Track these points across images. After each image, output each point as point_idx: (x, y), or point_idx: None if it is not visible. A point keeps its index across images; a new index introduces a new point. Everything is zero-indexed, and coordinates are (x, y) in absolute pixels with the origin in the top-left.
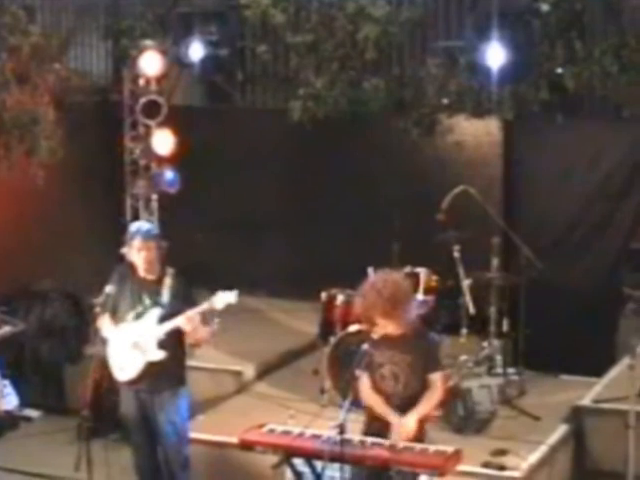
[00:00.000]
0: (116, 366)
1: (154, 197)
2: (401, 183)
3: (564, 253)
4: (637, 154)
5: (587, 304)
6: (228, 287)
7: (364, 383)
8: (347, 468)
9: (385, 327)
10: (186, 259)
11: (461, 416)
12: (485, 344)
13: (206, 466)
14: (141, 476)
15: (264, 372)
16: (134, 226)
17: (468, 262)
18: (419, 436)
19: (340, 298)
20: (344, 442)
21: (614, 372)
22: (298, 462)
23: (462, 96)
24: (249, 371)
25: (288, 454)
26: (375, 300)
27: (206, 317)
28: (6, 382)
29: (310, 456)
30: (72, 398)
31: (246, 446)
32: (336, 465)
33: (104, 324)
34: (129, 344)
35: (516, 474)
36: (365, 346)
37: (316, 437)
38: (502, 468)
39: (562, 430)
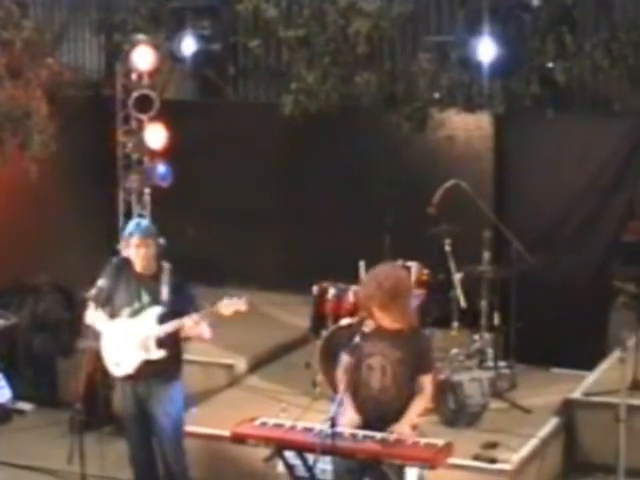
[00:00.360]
0: (111, 361)
1: (147, 191)
2: (392, 177)
3: (555, 247)
4: (628, 148)
5: (578, 297)
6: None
7: (343, 363)
8: (336, 460)
9: (381, 319)
10: (178, 253)
11: (452, 409)
12: (476, 337)
13: (198, 459)
14: (137, 469)
15: (256, 365)
16: (132, 223)
17: (459, 256)
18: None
19: (332, 292)
20: (335, 435)
21: (605, 365)
22: (290, 455)
23: (453, 91)
24: (241, 364)
25: (280, 447)
26: (375, 291)
27: (209, 319)
28: None
29: (302, 449)
30: (65, 391)
31: (238, 439)
32: (328, 458)
33: (97, 317)
34: (127, 341)
35: (507, 467)
36: (357, 339)
37: (308, 430)
38: (493, 461)
39: (553, 423)
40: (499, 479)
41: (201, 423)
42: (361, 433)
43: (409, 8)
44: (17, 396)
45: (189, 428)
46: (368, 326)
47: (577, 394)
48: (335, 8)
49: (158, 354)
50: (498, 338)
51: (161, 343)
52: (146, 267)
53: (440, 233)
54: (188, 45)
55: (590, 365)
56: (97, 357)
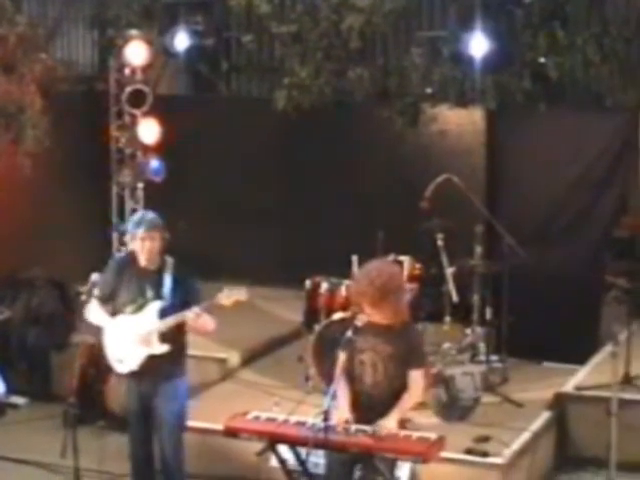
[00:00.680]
0: (114, 358)
1: (140, 186)
2: (385, 172)
3: (547, 241)
4: (619, 143)
5: (570, 292)
6: (212, 275)
7: (340, 362)
8: (328, 454)
9: (372, 316)
10: (171, 247)
11: (444, 403)
12: (468, 332)
13: (191, 453)
14: (136, 465)
15: (249, 359)
16: (137, 215)
17: (451, 250)
18: (401, 424)
19: (324, 286)
20: (328, 429)
21: (597, 359)
22: (283, 449)
23: (446, 86)
24: (234, 358)
25: (272, 441)
26: (366, 288)
27: (211, 310)
28: None
29: (294, 443)
30: (58, 385)
31: (231, 433)
32: (320, 452)
33: (99, 314)
34: (129, 337)
35: (499, 460)
36: (349, 333)
37: (300, 424)
38: (485, 454)
39: (545, 417)
40: (491, 473)
41: (194, 417)
42: (353, 427)
43: (401, 3)
44: (11, 390)
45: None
46: (361, 320)
47: (569, 388)
48: (328, 4)
49: (161, 349)
50: (490, 332)
51: (164, 338)
52: (150, 261)
53: (432, 227)
54: (181, 40)
55: (582, 359)
56: (91, 351)
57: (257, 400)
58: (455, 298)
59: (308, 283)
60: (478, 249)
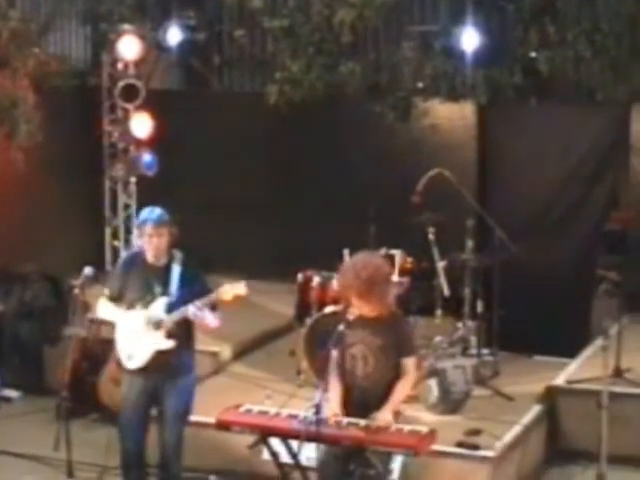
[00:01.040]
0: (124, 355)
1: (132, 180)
2: (377, 166)
3: (538, 235)
4: (610, 137)
5: (561, 286)
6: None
7: (333, 359)
8: (321, 447)
9: (360, 308)
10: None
11: (436, 396)
12: (459, 325)
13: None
14: (127, 458)
15: (241, 353)
16: (145, 211)
17: (443, 244)
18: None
19: (316, 280)
20: (320, 422)
21: (587, 353)
22: (274, 442)
23: (437, 80)
24: (226, 352)
25: (264, 434)
26: (352, 280)
27: (215, 305)
28: None
29: (286, 436)
30: (51, 379)
31: (223, 426)
32: (312, 445)
33: (108, 309)
34: (138, 333)
35: (490, 454)
36: (340, 327)
37: (292, 417)
38: (476, 448)
39: (536, 410)
40: (482, 466)
41: None
42: (345, 420)
43: None
44: (4, 383)
45: None
46: (352, 314)
47: (560, 381)
48: None
49: (167, 344)
50: (481, 326)
51: (170, 333)
52: (158, 257)
53: (424, 221)
54: (173, 35)
55: (573, 353)
56: (83, 345)
57: (249, 393)
58: (446, 292)
59: (300, 277)
60: (469, 243)
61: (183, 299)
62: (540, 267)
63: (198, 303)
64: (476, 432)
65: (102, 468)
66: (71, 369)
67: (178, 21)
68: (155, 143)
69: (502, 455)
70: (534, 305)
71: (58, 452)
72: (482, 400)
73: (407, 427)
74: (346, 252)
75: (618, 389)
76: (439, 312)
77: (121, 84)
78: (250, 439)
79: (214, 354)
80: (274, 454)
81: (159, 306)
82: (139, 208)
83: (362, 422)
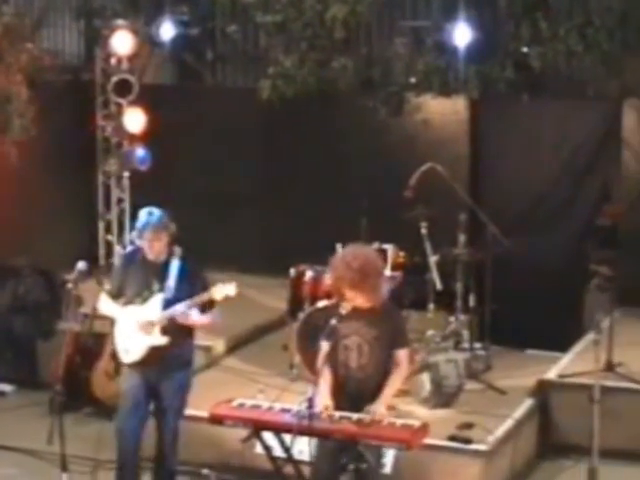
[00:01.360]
0: (121, 349)
1: (126, 174)
2: (369, 161)
3: (530, 229)
4: (602, 132)
5: (553, 280)
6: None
7: (323, 351)
8: (314, 441)
9: (353, 299)
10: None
11: (428, 390)
12: (452, 319)
13: None
14: (123, 454)
15: (234, 347)
16: (144, 215)
17: (435, 238)
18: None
19: (309, 274)
20: (312, 416)
21: (579, 347)
22: (267, 436)
23: (429, 75)
24: (219, 346)
25: (257, 428)
26: (344, 272)
27: (209, 304)
28: None
29: (279, 430)
30: (45, 373)
31: (216, 420)
32: (305, 438)
33: (108, 305)
34: (132, 328)
35: (482, 447)
36: (333, 321)
37: (285, 411)
38: (468, 441)
39: (528, 404)
40: (474, 459)
41: None
42: (338, 414)
43: None
44: None
45: None
46: (345, 308)
47: (552, 375)
48: None
49: (161, 340)
50: (474, 320)
51: (165, 330)
52: (158, 256)
53: (416, 216)
54: (167, 30)
55: (565, 347)
56: (77, 339)
57: (242, 387)
58: (439, 286)
59: (292, 271)
60: (462, 237)
61: (181, 295)
62: (532, 261)
63: (187, 303)
64: (468, 426)
65: (96, 462)
66: (64, 363)
67: (171, 16)
68: (148, 138)
69: (494, 449)
70: (526, 299)
71: (51, 446)
72: (474, 394)
73: (399, 421)
74: (339, 247)
75: (610, 383)
76: (431, 306)
77: (114, 79)
78: (243, 433)
79: (207, 348)
80: (267, 448)
81: (156, 302)
82: (132, 203)
83: (354, 416)
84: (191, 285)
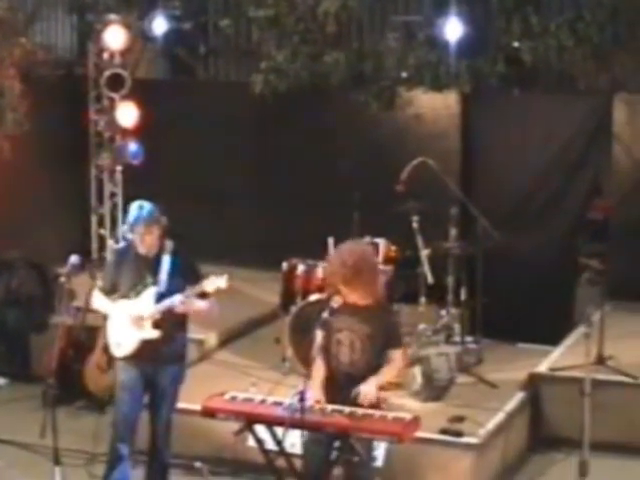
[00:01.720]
0: (113, 342)
1: (118, 169)
2: (361, 155)
3: (521, 223)
4: (592, 126)
5: (544, 273)
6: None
7: (317, 339)
8: (306, 434)
9: (347, 296)
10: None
11: (419, 383)
12: (443, 313)
13: None
14: (117, 446)
15: (226, 341)
16: (135, 209)
17: (427, 232)
18: (377, 404)
19: (301, 268)
20: (305, 409)
21: (570, 340)
22: (260, 429)
23: (421, 70)
24: (211, 339)
25: (250, 421)
26: (338, 267)
27: (202, 296)
28: None
29: (271, 423)
30: (38, 366)
31: (208, 413)
32: (297, 432)
33: (100, 300)
34: (126, 321)
35: (474, 440)
36: (325, 314)
37: (277, 404)
38: (460, 434)
39: (519, 397)
40: (466, 452)
41: None
42: (330, 407)
43: None
44: None
45: None
46: (336, 302)
47: (543, 369)
48: None
49: (152, 334)
50: (465, 313)
51: (156, 323)
52: (149, 250)
53: (408, 210)
54: (159, 24)
55: (556, 340)
56: (70, 332)
57: (234, 381)
58: (430, 280)
59: (285, 265)
60: (453, 231)
61: (174, 288)
62: (523, 255)
63: (184, 294)
64: (460, 419)
65: (90, 455)
66: (57, 357)
67: (164, 11)
68: (141, 132)
69: (486, 442)
70: (517, 293)
71: (44, 439)
72: (466, 387)
73: (391, 414)
74: (331, 240)
75: (600, 376)
76: (423, 300)
77: (107, 74)
78: (235, 426)
79: (200, 342)
80: (259, 441)
81: (149, 296)
82: (125, 197)
83: (346, 409)
84: (183, 278)
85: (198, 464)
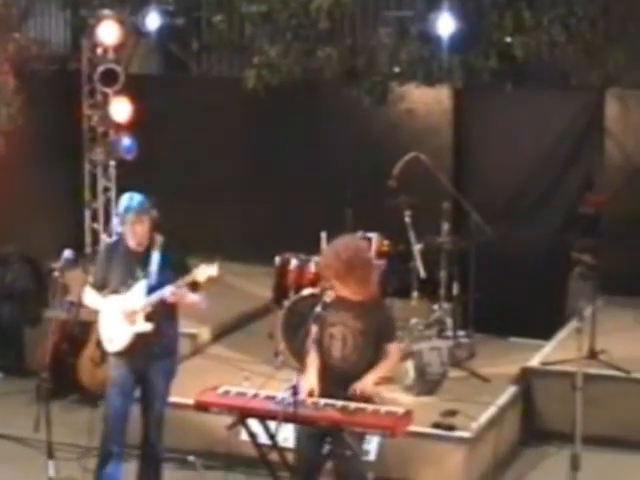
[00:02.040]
0: (105, 338)
1: (112, 163)
2: (354, 150)
3: (513, 218)
4: (584, 121)
5: (536, 268)
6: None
7: (312, 333)
8: (298, 428)
9: (340, 290)
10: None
11: (412, 378)
12: (435, 307)
13: None
14: (108, 441)
15: (219, 335)
16: (125, 199)
17: (419, 227)
18: (370, 398)
19: (294, 262)
20: (297, 403)
21: (562, 335)
22: (253, 423)
23: (413, 65)
24: (204, 334)
25: (243, 415)
26: (332, 261)
27: (193, 287)
28: None
29: (264, 417)
30: (31, 360)
31: (201, 407)
32: (290, 426)
33: (91, 296)
34: (118, 316)
35: (466, 434)
36: (318, 308)
37: (270, 398)
38: (452, 428)
39: (511, 391)
40: (458, 446)
41: None
42: (322, 401)
43: None
44: None
45: None
46: (329, 296)
47: (535, 363)
48: None
49: (145, 327)
50: (457, 308)
51: (148, 316)
52: (140, 243)
53: (400, 205)
54: (152, 20)
55: (548, 335)
56: (63, 326)
57: (227, 375)
58: (422, 274)
59: (277, 259)
60: (445, 226)
61: (164, 281)
62: (515, 250)
63: (175, 284)
64: (452, 413)
65: (84, 449)
66: (51, 351)
67: (157, 6)
68: (134, 127)
69: (478, 436)
70: (509, 287)
71: (38, 433)
72: (458, 381)
73: (383, 408)
74: (323, 235)
75: (592, 371)
76: (415, 294)
77: (100, 69)
78: (228, 420)
79: (193, 336)
80: (252, 435)
81: (139, 289)
82: (118, 191)
83: (339, 403)
84: (174, 271)
85: (191, 458)
